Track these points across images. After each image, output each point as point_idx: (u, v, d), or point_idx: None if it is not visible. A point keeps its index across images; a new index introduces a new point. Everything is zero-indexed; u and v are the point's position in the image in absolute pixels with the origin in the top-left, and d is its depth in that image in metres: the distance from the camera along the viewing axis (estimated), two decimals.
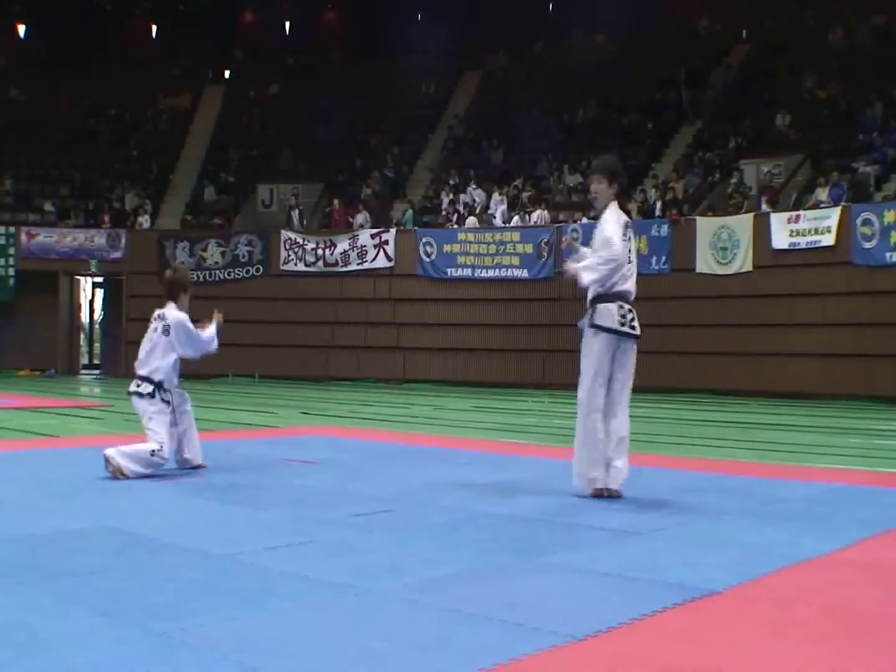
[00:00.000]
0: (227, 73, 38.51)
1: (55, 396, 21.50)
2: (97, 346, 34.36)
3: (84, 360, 34.01)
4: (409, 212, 28.43)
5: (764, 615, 4.82)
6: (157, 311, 9.83)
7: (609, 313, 7.79)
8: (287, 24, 40.92)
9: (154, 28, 40.79)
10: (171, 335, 9.61)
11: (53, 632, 4.41)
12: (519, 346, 25.87)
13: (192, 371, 27.03)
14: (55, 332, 30.06)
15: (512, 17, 34.91)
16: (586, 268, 7.80)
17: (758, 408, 18.76)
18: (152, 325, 9.73)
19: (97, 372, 31.80)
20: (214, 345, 9.97)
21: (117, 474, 9.04)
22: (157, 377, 9.54)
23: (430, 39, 35.08)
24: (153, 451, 9.26)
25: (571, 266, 7.90)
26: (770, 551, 6.16)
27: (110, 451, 9.15)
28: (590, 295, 7.92)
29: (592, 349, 7.87)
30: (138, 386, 9.57)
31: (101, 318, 32.86)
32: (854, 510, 7.72)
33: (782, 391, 21.43)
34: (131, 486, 8.63)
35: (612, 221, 7.87)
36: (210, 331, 9.99)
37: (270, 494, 8.36)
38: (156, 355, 9.60)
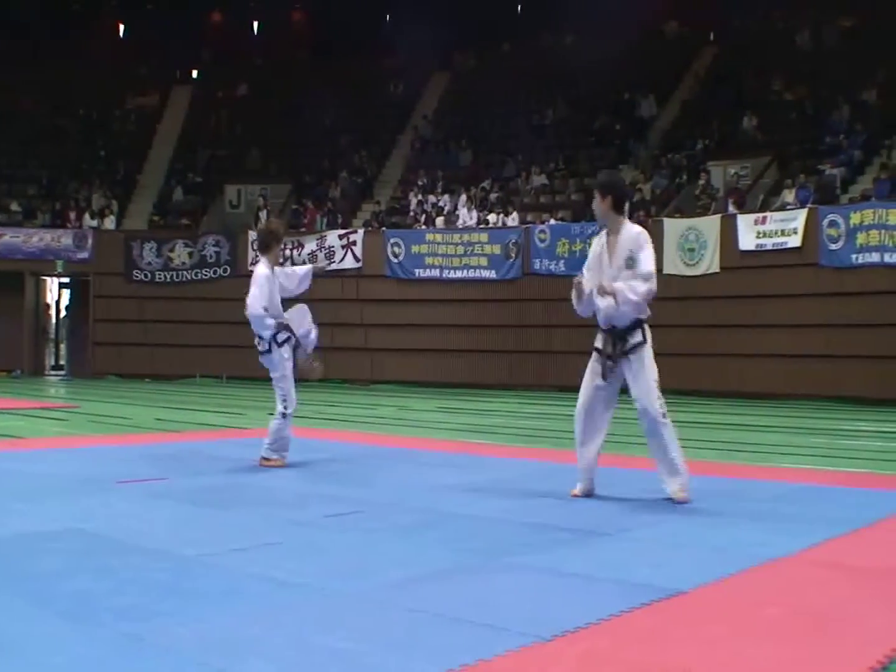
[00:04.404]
0: (195, 73, 38.30)
1: (21, 397, 21.37)
2: (63, 346, 34.07)
3: (50, 360, 33.72)
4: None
5: (731, 615, 4.85)
6: (254, 269, 10.42)
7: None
8: (255, 25, 40.79)
9: (122, 27, 40.57)
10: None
11: (21, 634, 4.39)
12: (486, 346, 25.86)
13: (159, 371, 27.04)
14: (21, 333, 29.86)
15: (480, 17, 34.88)
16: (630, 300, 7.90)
17: (724, 408, 18.84)
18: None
19: (62, 373, 31.58)
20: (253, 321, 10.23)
21: (276, 464, 10.06)
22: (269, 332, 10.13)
23: (399, 40, 35.01)
24: (283, 414, 10.07)
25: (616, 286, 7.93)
26: (737, 551, 6.20)
27: (261, 454, 10.12)
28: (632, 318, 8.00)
29: (652, 360, 8.02)
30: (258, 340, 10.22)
31: (64, 317, 32.56)
32: (820, 510, 7.77)
33: (748, 392, 21.51)
34: (98, 487, 8.59)
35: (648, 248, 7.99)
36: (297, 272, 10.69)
37: (238, 496, 8.34)
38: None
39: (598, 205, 8.16)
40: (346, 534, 6.67)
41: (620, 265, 7.93)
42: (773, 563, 5.90)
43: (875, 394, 20.05)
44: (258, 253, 10.61)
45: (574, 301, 8.19)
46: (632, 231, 8.01)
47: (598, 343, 8.11)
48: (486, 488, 8.71)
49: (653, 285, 7.84)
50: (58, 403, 20.99)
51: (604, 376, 8.05)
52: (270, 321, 10.04)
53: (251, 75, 37.18)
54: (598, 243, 8.18)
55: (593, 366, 8.15)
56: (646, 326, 8.02)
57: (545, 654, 4.17)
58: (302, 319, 10.38)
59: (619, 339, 7.99)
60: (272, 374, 10.20)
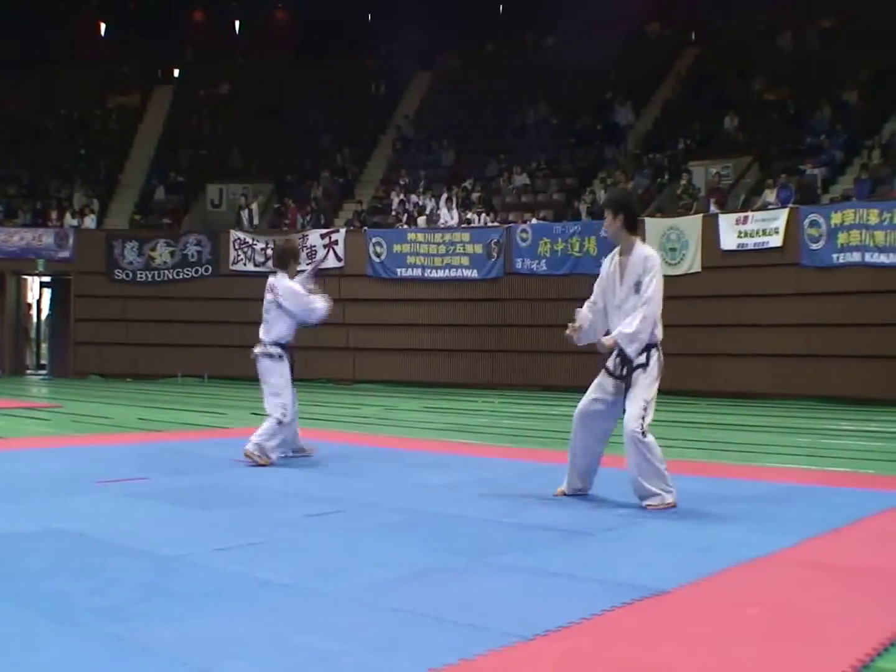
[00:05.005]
0: (176, 73, 38.23)
1: (3, 397, 21.27)
2: (44, 346, 33.93)
3: (32, 360, 33.56)
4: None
5: (714, 614, 4.86)
6: (270, 280, 10.69)
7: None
8: (237, 24, 40.74)
9: (103, 27, 40.47)
10: (283, 306, 10.45)
11: (2, 634, 4.37)
12: (468, 346, 25.83)
13: (140, 371, 26.95)
14: (2, 333, 29.73)
15: (463, 18, 34.90)
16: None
17: (707, 408, 18.87)
18: (268, 297, 10.57)
19: (44, 372, 31.46)
20: (321, 311, 10.64)
21: (262, 462, 10.07)
22: (283, 341, 10.49)
23: (382, 40, 34.96)
24: (279, 421, 10.18)
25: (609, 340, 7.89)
26: (720, 550, 6.21)
27: (248, 447, 10.16)
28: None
29: (653, 380, 7.92)
30: (266, 347, 10.46)
31: (46, 317, 32.45)
32: (802, 509, 7.79)
33: (731, 391, 21.53)
34: (80, 487, 8.56)
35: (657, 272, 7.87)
36: (320, 299, 10.72)
37: (221, 495, 8.32)
38: (277, 324, 10.51)
39: (610, 224, 8.04)
40: (330, 533, 6.66)
41: (630, 288, 7.83)
42: (755, 563, 5.91)
43: (856, 393, 20.10)
44: (276, 269, 10.84)
45: (574, 339, 8.13)
46: (641, 254, 7.90)
47: (609, 363, 7.97)
48: (470, 488, 8.69)
49: (651, 310, 7.71)
50: (40, 403, 20.91)
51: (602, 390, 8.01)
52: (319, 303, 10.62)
53: (233, 75, 37.07)
54: (610, 262, 8.05)
55: (600, 380, 8.06)
56: (653, 351, 7.86)
57: (528, 654, 4.16)
58: None
59: (627, 363, 7.88)
60: (271, 380, 10.42)
